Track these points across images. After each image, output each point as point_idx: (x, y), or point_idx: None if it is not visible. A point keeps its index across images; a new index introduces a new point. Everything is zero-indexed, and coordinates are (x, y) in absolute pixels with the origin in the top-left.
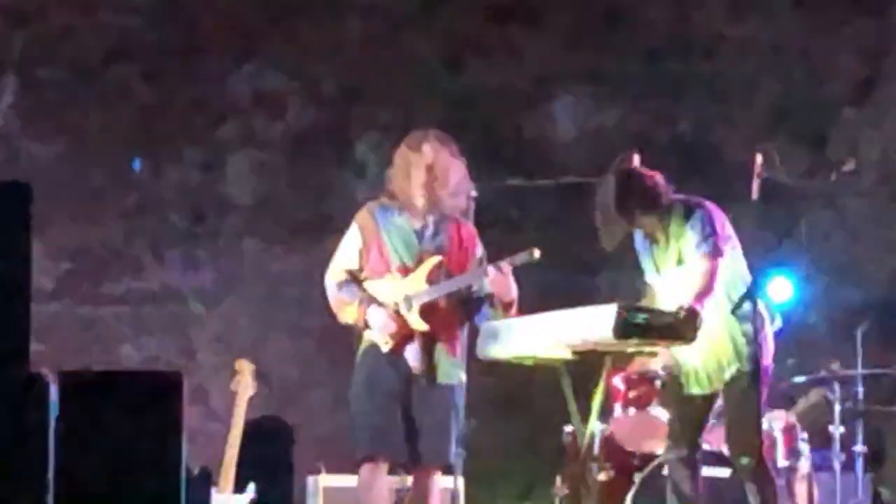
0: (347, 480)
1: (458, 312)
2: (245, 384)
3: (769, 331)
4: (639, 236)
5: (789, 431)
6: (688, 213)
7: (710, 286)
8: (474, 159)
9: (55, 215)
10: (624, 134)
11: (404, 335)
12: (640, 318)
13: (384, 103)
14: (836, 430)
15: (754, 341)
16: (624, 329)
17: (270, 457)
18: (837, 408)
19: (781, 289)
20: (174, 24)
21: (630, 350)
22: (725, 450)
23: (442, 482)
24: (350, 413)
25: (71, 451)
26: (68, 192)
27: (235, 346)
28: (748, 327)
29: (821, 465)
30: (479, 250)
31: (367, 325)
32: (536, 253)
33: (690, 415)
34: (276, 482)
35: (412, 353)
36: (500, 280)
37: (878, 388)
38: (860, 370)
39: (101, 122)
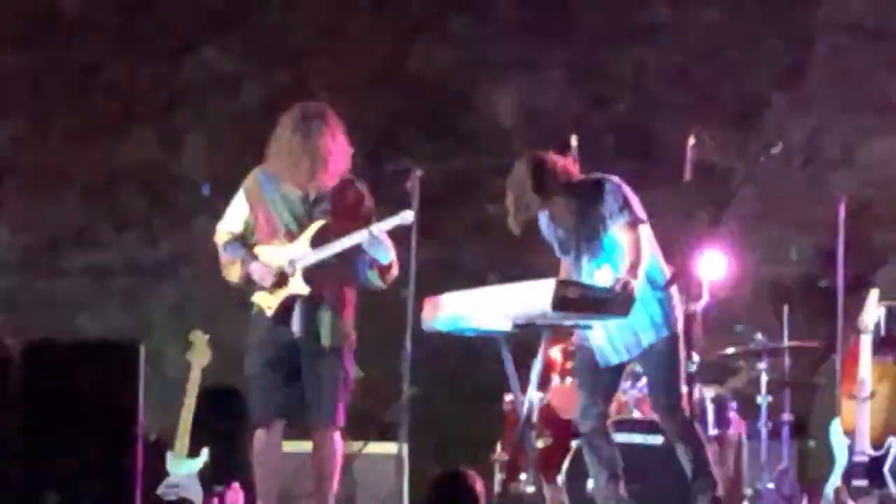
0: (295, 446)
1: (341, 275)
2: (199, 354)
3: (678, 300)
4: (544, 220)
5: (719, 402)
6: (598, 190)
7: (638, 255)
8: (421, 140)
9: (16, 194)
10: (562, 117)
11: (288, 299)
12: (577, 292)
13: (334, 88)
14: (764, 399)
15: (670, 307)
16: (561, 303)
17: (223, 422)
18: (765, 379)
19: (713, 265)
20: (137, 9)
21: (567, 323)
22: (653, 416)
23: (387, 448)
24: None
25: (33, 417)
26: (30, 172)
27: (190, 317)
28: (663, 296)
29: (749, 433)
30: (367, 211)
31: (249, 284)
32: (409, 217)
33: (603, 384)
34: (227, 447)
35: (295, 318)
36: (374, 244)
37: (803, 359)
38: (786, 343)
39: (62, 103)
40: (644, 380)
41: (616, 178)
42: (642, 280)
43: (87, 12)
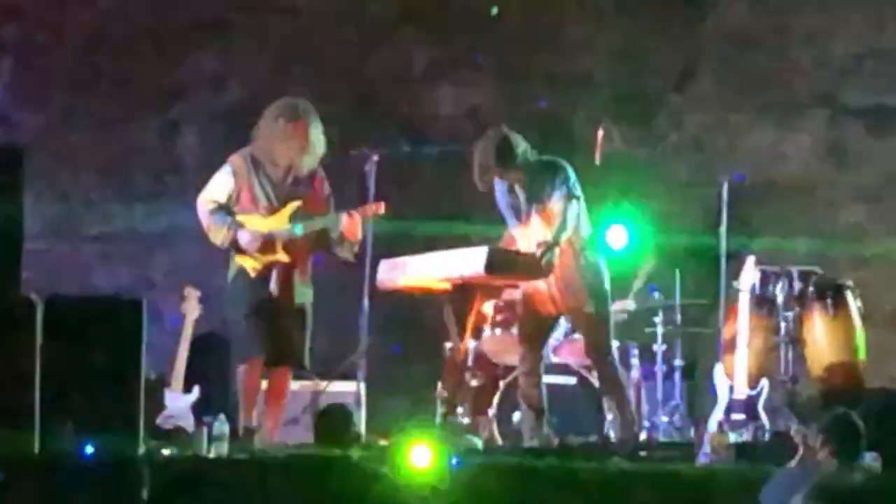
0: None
1: (313, 248)
2: (192, 307)
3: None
4: (500, 189)
5: (624, 348)
6: (549, 168)
7: (566, 224)
8: (376, 130)
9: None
10: (493, 112)
11: (268, 263)
12: (506, 257)
13: (306, 84)
14: (659, 347)
15: (599, 273)
16: (492, 266)
17: (211, 365)
18: (660, 330)
19: (618, 236)
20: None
21: (497, 283)
22: (572, 361)
23: (348, 386)
24: (227, 326)
25: (53, 360)
26: (53, 153)
27: (184, 277)
28: (595, 261)
29: (647, 375)
30: (327, 193)
31: (235, 248)
32: (382, 208)
33: (538, 332)
34: (215, 385)
35: (274, 280)
36: (350, 225)
37: (692, 314)
38: (678, 301)
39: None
40: (562, 329)
41: (564, 162)
42: (577, 248)
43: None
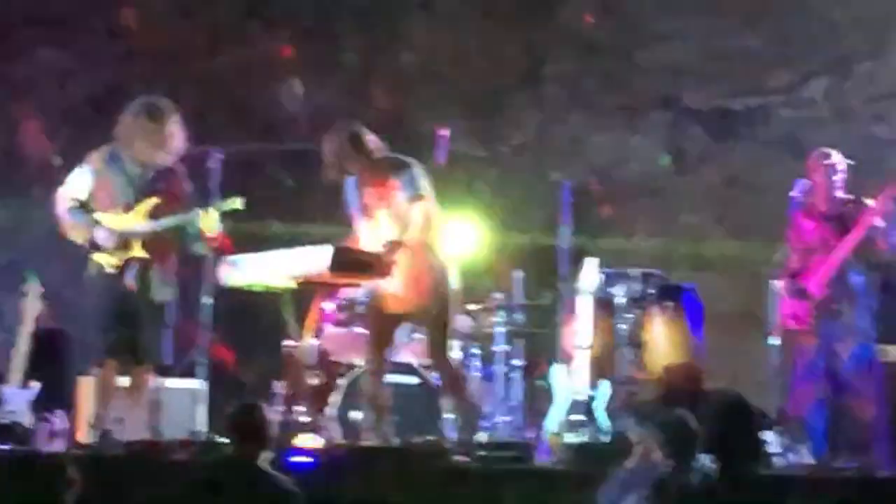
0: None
1: (172, 244)
2: (32, 303)
3: (452, 267)
4: (351, 184)
5: (464, 348)
6: (398, 166)
7: (412, 224)
8: (222, 127)
9: None
10: (335, 111)
11: (126, 260)
12: (350, 256)
13: (155, 79)
14: (500, 348)
15: (444, 273)
16: (337, 265)
17: (51, 361)
18: (501, 330)
19: (460, 236)
20: None
21: (341, 282)
22: (413, 361)
23: (189, 383)
24: (82, 325)
25: None
26: None
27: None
28: (440, 261)
29: (487, 376)
30: (186, 190)
31: (93, 246)
32: (239, 202)
33: (384, 332)
34: (54, 381)
35: (131, 275)
36: (206, 220)
37: (534, 314)
38: (520, 301)
39: None
40: (405, 328)
41: (414, 161)
42: (423, 248)
43: None
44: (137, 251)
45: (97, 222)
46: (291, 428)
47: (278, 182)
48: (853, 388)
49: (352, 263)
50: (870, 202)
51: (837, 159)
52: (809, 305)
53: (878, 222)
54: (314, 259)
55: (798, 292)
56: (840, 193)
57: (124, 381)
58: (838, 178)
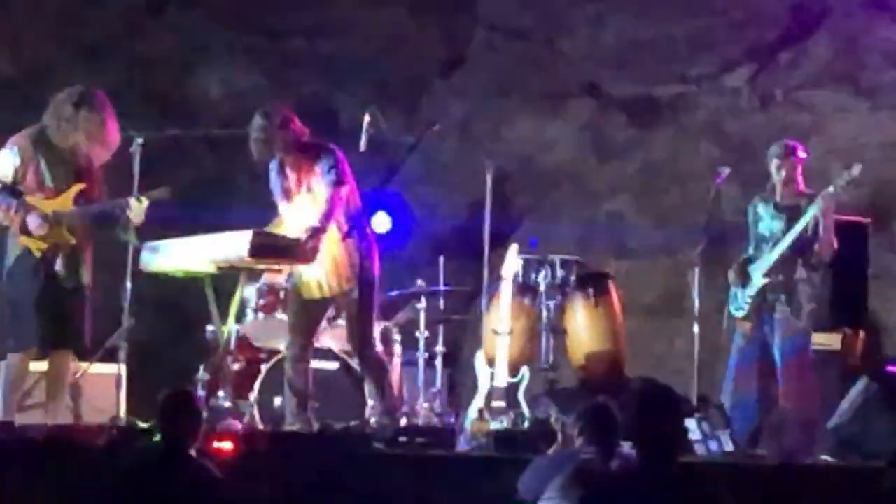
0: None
1: (98, 230)
2: None
3: (376, 252)
4: (274, 168)
5: (386, 334)
6: (318, 151)
7: (332, 210)
8: (143, 112)
9: None
10: (261, 97)
11: (54, 245)
12: (270, 241)
13: (78, 64)
14: (422, 334)
15: (367, 259)
16: (257, 250)
17: None
18: (423, 316)
19: (382, 222)
20: None
21: (261, 267)
22: (334, 346)
23: (108, 369)
24: (3, 310)
25: None
26: None
27: None
28: (362, 246)
29: (409, 362)
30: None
31: (22, 229)
32: (168, 192)
33: (306, 318)
34: None
35: (60, 261)
36: (136, 208)
37: (455, 300)
38: (442, 287)
39: None
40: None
41: (335, 147)
42: (345, 234)
43: None
44: (67, 236)
45: (30, 205)
46: (214, 413)
47: (200, 166)
48: (784, 377)
49: (271, 248)
50: (820, 201)
51: (804, 155)
52: (749, 294)
53: (821, 220)
54: (235, 244)
55: (743, 280)
56: (801, 188)
57: (43, 365)
58: (799, 172)
